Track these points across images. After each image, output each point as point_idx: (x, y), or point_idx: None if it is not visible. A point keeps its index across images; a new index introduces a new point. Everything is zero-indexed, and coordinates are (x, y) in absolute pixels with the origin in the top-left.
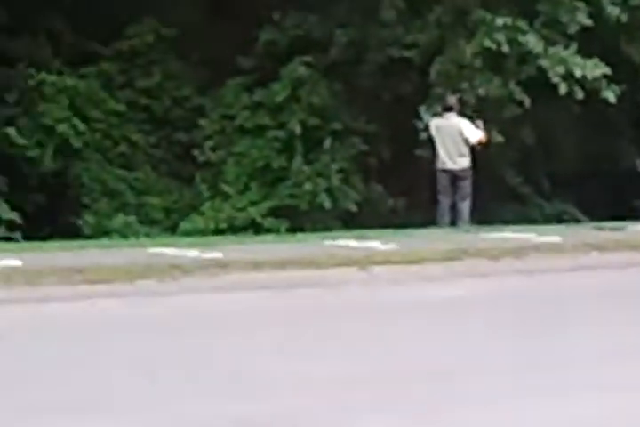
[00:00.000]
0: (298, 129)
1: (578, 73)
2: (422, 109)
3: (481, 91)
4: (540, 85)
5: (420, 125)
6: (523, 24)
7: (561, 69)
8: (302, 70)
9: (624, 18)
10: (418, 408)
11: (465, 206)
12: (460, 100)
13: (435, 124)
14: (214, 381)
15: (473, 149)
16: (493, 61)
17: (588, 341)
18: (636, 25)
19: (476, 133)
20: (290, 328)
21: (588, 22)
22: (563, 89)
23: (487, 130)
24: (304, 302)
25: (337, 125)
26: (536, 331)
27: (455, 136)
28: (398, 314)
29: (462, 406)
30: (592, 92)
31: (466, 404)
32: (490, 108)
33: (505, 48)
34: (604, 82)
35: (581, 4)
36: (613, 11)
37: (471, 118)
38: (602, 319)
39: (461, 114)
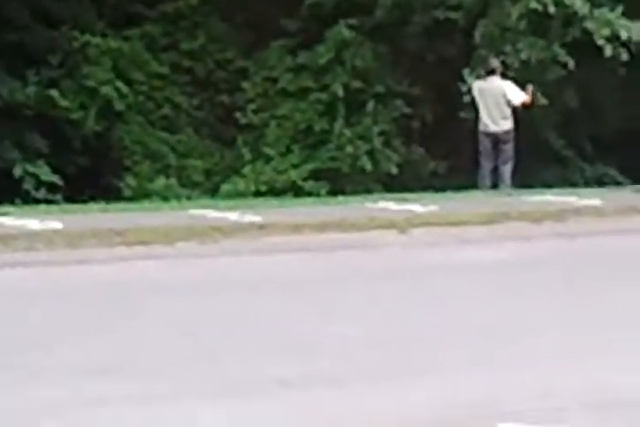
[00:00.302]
0: (341, 92)
1: (623, 35)
2: (466, 72)
3: (524, 54)
4: (584, 48)
5: (464, 88)
6: None
7: (606, 32)
8: (347, 33)
9: None
10: (459, 371)
11: (507, 169)
12: (504, 63)
13: (477, 86)
14: (254, 342)
15: (515, 112)
16: (538, 23)
17: (629, 304)
18: None
19: (519, 95)
20: (329, 291)
21: None
22: (608, 51)
23: (534, 94)
24: (343, 265)
25: (380, 88)
26: (577, 294)
27: (498, 99)
28: (438, 277)
29: (504, 367)
30: (637, 53)
31: (507, 365)
32: (533, 70)
33: (551, 9)
34: None
35: None
36: None
37: (515, 81)
38: (634, 283)
39: (504, 77)
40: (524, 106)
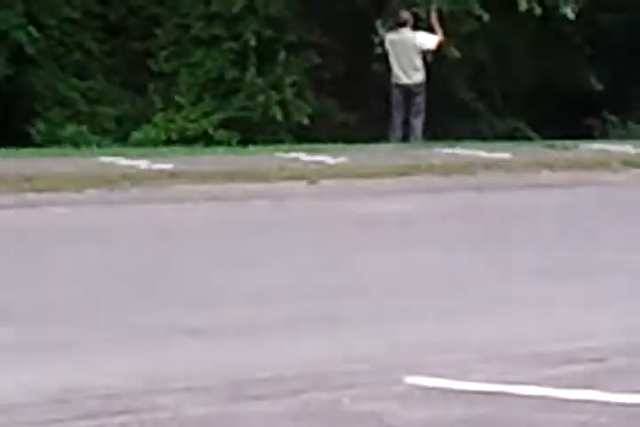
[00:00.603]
0: (253, 41)
1: None
2: (378, 24)
3: (435, 5)
4: (498, 1)
5: (376, 40)
6: None
7: None
8: None
9: None
10: (360, 322)
11: (418, 122)
12: (415, 15)
13: (389, 38)
14: (162, 291)
15: (427, 65)
16: None
17: (524, 256)
18: None
19: (431, 39)
20: (237, 240)
21: None
22: (523, 5)
23: (440, 19)
24: (253, 214)
25: (292, 38)
26: (479, 246)
27: (409, 51)
28: (346, 227)
29: (409, 321)
30: (551, 8)
31: (412, 319)
32: (447, 23)
33: None
34: None
35: None
36: None
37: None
38: (543, 237)
39: (416, 28)
40: (440, 45)
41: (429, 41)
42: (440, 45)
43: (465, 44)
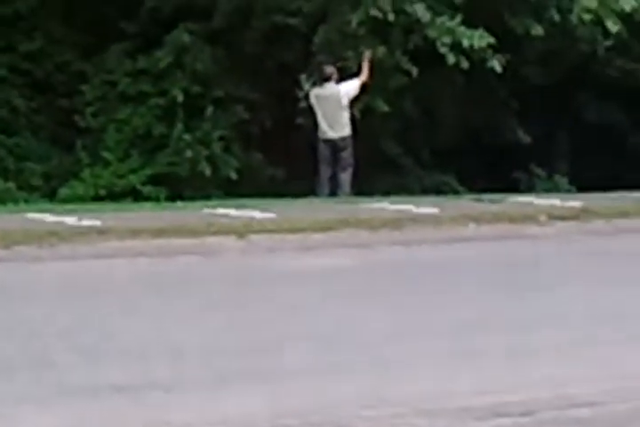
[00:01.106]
0: (180, 97)
1: (465, 43)
2: (303, 78)
3: (365, 56)
4: (426, 56)
5: (301, 94)
6: None
7: (448, 40)
8: (186, 37)
9: None
10: (292, 377)
11: (346, 177)
12: (340, 69)
13: (314, 93)
14: (88, 347)
15: (354, 119)
16: (379, 31)
17: (449, 310)
18: None
19: (353, 84)
20: (167, 296)
21: None
22: (451, 59)
23: (371, 60)
24: (182, 270)
25: (219, 93)
26: (404, 301)
27: (335, 105)
28: (275, 283)
29: (338, 374)
30: (478, 62)
31: (340, 372)
32: (375, 77)
33: (391, 17)
34: (489, 52)
35: None
36: None
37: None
38: (468, 290)
39: (340, 81)
40: (364, 86)
41: (352, 87)
42: (364, 85)
43: (393, 98)
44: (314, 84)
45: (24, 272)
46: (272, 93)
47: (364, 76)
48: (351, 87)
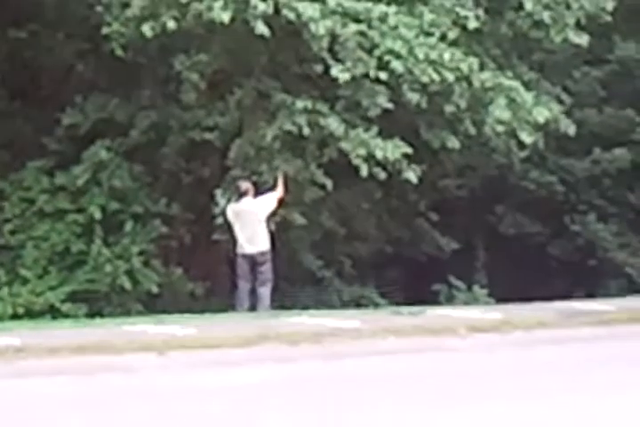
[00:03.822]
0: (98, 214)
1: (379, 154)
2: (218, 193)
3: (280, 171)
4: (341, 168)
5: (217, 210)
6: (324, 107)
7: (362, 151)
8: (103, 153)
9: (423, 103)
10: None
11: (265, 291)
12: (255, 184)
13: (232, 209)
14: None
15: (272, 233)
16: (294, 144)
17: (369, 423)
18: (435, 110)
19: (270, 199)
20: (87, 415)
21: (389, 105)
22: (364, 171)
23: (285, 179)
24: (102, 388)
25: (138, 208)
26: (326, 416)
27: (253, 220)
28: (193, 400)
29: None
30: (394, 172)
31: None
32: (291, 191)
33: (306, 131)
34: (404, 163)
35: (382, 89)
36: (413, 96)
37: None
38: (383, 403)
39: (256, 195)
40: (280, 201)
41: (269, 202)
42: (281, 201)
43: (310, 210)
44: (229, 200)
45: None
46: (189, 208)
47: (280, 191)
48: (268, 202)
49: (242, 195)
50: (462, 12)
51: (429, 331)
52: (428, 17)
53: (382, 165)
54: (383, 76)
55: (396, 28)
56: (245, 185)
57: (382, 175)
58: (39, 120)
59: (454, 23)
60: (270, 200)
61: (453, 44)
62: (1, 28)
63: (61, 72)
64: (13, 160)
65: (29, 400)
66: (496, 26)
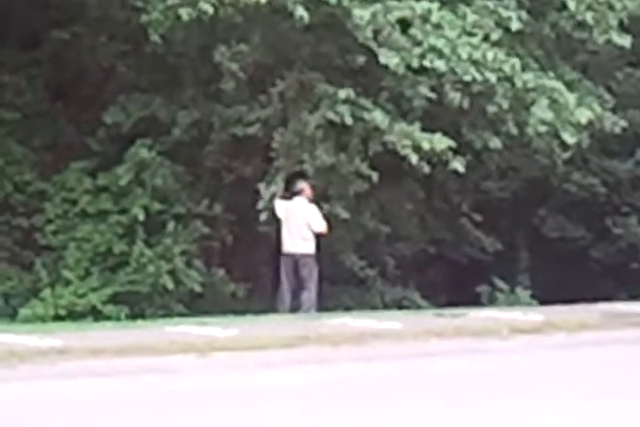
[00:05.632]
0: (141, 215)
1: (425, 146)
2: (262, 187)
3: (320, 161)
4: (384, 166)
5: (261, 205)
6: (367, 102)
7: (408, 142)
8: (144, 153)
9: (465, 103)
10: None
11: (307, 292)
12: (313, 187)
13: (283, 205)
14: None
15: (318, 235)
16: (337, 137)
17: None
18: (477, 111)
19: (320, 224)
20: (129, 417)
21: (432, 95)
22: (414, 159)
23: (325, 216)
24: (143, 390)
25: (180, 209)
26: (368, 418)
27: (300, 221)
28: (237, 401)
29: None
30: (439, 165)
31: None
32: (336, 185)
33: (348, 120)
34: (450, 154)
35: (424, 79)
36: (456, 96)
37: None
38: (429, 405)
39: (312, 201)
40: (322, 235)
41: (317, 225)
42: (322, 235)
43: (353, 208)
44: (274, 195)
45: None
46: (231, 208)
47: (325, 230)
48: (317, 222)
49: (295, 193)
50: (505, 14)
51: (471, 333)
52: (471, 18)
53: (428, 156)
54: (427, 64)
55: (438, 26)
56: (301, 185)
57: (427, 168)
58: (81, 121)
59: (497, 24)
60: (319, 224)
61: (496, 44)
62: (44, 30)
63: (103, 73)
64: (56, 161)
65: (72, 402)
66: (539, 27)
